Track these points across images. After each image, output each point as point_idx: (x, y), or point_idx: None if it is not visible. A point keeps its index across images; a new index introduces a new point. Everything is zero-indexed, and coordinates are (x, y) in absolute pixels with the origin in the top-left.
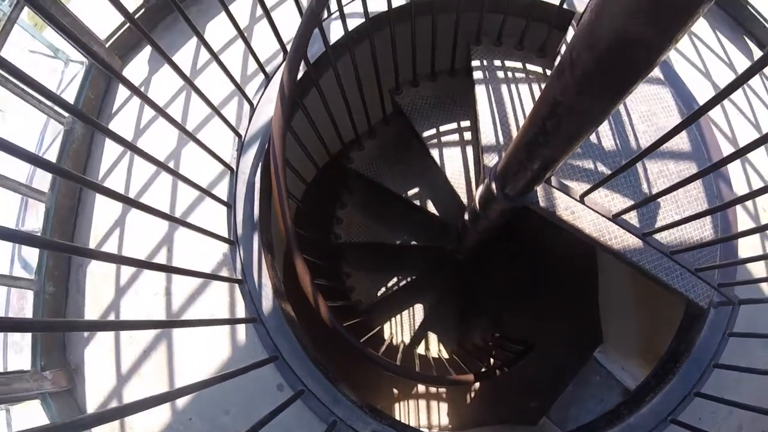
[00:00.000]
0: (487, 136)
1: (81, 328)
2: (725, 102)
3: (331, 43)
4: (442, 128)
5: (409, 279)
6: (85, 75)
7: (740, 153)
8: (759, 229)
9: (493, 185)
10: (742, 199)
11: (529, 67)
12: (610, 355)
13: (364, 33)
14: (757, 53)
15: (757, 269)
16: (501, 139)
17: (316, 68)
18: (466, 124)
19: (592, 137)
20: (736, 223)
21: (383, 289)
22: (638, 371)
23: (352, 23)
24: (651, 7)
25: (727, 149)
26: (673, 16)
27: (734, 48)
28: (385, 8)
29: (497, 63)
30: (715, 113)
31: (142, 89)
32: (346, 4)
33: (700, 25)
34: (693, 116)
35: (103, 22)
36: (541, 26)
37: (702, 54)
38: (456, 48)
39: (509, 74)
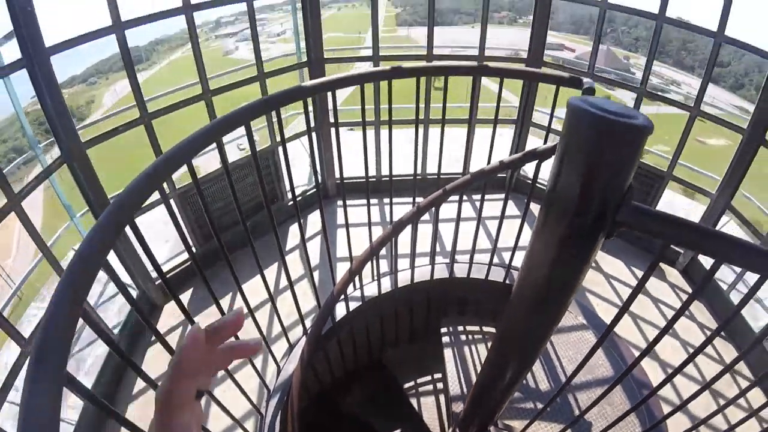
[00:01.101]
0: (454, 388)
1: None
2: (640, 323)
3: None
4: (420, 380)
5: None
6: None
7: (642, 356)
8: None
9: (457, 431)
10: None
11: (485, 329)
12: None
13: (361, 314)
14: (670, 272)
15: None
16: (465, 389)
17: (324, 338)
18: (438, 376)
19: (531, 383)
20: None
21: None
22: None
23: (353, 305)
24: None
25: (646, 362)
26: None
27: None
28: (376, 293)
29: (461, 329)
30: (634, 336)
31: (180, 328)
32: (350, 293)
33: (616, 266)
34: (596, 345)
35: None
36: (492, 297)
37: (619, 290)
38: (430, 319)
39: (470, 336)
